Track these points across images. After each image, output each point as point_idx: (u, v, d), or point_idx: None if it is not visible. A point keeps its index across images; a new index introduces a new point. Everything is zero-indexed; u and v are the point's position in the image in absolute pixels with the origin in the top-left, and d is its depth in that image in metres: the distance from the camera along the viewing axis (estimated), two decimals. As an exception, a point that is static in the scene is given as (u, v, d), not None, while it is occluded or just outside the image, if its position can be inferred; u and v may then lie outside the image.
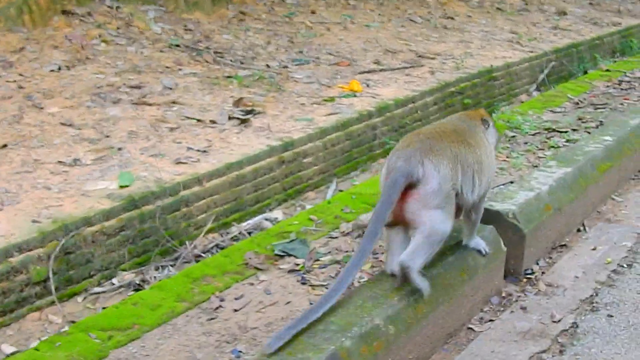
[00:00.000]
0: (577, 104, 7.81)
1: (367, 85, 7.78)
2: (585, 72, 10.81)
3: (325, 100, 7.15)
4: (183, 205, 5.11)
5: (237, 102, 6.65)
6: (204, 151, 5.62)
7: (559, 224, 4.09)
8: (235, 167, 5.53)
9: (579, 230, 4.33)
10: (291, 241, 4.23)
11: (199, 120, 6.22)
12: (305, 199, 6.18)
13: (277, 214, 5.80)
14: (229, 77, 7.33)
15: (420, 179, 3.10)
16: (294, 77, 7.72)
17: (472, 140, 3.42)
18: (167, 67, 7.36)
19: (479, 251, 3.64)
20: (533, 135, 6.64)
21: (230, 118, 6.35)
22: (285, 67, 8.02)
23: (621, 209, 4.64)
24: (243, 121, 6.32)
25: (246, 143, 5.90)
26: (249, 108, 6.58)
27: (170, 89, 6.85)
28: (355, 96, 7.38)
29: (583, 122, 7.04)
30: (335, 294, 3.00)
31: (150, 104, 6.42)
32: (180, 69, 7.38)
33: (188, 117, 6.25)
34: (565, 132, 6.65)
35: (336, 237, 4.42)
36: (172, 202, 5.01)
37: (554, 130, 6.73)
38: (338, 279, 3.04)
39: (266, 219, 5.66)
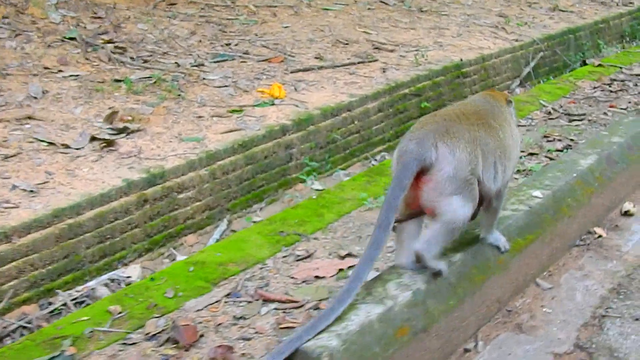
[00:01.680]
0: (549, 113, 6.41)
1: (296, 89, 6.45)
2: (584, 63, 9.33)
3: (232, 111, 5.85)
4: (-23, 272, 3.88)
5: (110, 117, 5.38)
6: (32, 191, 4.37)
7: (426, 351, 2.74)
8: (69, 213, 4.28)
9: (467, 350, 2.99)
10: (52, 358, 2.98)
11: (50, 144, 4.96)
12: (180, 245, 4.92)
13: (133, 270, 4.56)
14: (118, 80, 6.04)
15: (433, 163, 2.88)
16: (206, 79, 6.41)
17: (495, 123, 3.17)
18: (45, 69, 6.09)
19: (497, 247, 3.30)
20: (478, 162, 5.27)
21: (93, 139, 5.09)
22: (201, 65, 6.71)
23: (544, 304, 3.25)
24: (108, 143, 5.05)
25: (98, 177, 4.64)
26: (123, 124, 5.30)
27: (35, 98, 5.59)
28: (273, 104, 6.07)
29: (548, 142, 5.68)
30: (347, 297, 2.69)
31: (-3, 120, 5.18)
32: (61, 71, 6.11)
33: (38, 139, 5.00)
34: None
35: (133, 344, 3.16)
36: (-43, 270, 3.79)
37: (505, 155, 5.35)
38: (350, 279, 2.75)
39: (113, 280, 4.43)
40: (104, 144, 5.03)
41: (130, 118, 5.44)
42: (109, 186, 4.55)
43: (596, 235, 3.84)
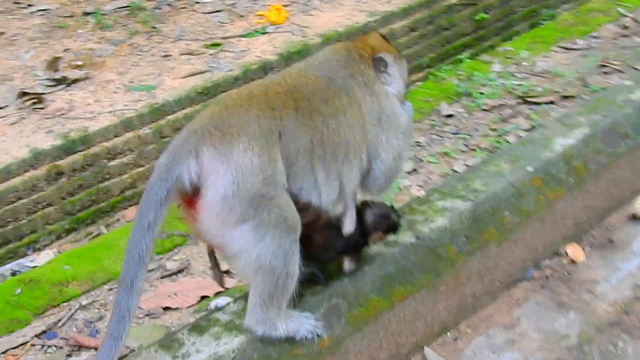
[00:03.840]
0: (625, 28, 4.86)
1: (304, 10, 5.33)
2: None
3: (210, 46, 4.88)
4: None
5: (53, 64, 4.61)
6: None
7: None
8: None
9: None
10: None
11: (-28, 103, 4.31)
12: (116, 221, 4.16)
13: (45, 256, 3.87)
14: (87, 14, 5.23)
15: (198, 180, 2.01)
16: (199, 3, 5.44)
17: (327, 105, 2.15)
18: (15, 3, 5.40)
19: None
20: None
21: (23, 94, 4.36)
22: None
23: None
24: (38, 99, 4.31)
25: (6, 145, 3.94)
26: (62, 74, 4.52)
27: (-13, 40, 4.93)
28: (265, 33, 5.02)
29: (603, 73, 4.26)
30: None
31: None
32: (31, 5, 5.38)
33: (-38, 97, 4.35)
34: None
35: None
36: None
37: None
38: None
39: (14, 272, 3.79)
40: (33, 100, 4.29)
41: (80, 63, 4.64)
42: (11, 158, 3.83)
43: (567, 260, 2.52)
